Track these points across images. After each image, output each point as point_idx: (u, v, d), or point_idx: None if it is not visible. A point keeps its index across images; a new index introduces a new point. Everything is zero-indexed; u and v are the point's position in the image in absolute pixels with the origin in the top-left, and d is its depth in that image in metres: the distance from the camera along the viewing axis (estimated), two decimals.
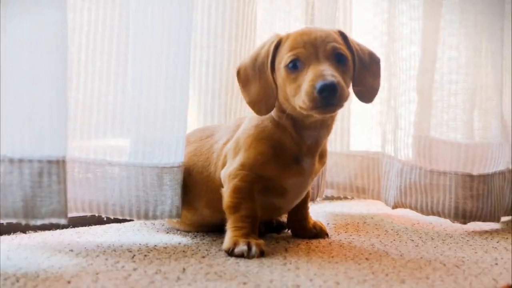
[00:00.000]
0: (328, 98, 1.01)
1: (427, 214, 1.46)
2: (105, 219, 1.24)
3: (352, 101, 1.67)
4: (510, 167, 1.52)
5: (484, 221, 1.43)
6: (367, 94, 1.15)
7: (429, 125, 1.50)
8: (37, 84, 1.01)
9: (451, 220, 1.43)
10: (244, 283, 0.90)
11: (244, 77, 1.14)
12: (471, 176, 1.42)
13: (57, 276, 0.92)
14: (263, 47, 1.14)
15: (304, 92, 1.03)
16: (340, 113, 1.62)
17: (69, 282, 0.89)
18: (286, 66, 1.08)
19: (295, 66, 1.07)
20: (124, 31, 1.19)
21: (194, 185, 1.21)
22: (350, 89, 1.12)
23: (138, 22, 1.16)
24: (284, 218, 1.33)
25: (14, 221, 1.01)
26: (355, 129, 1.69)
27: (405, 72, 1.51)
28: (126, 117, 1.19)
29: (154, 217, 1.18)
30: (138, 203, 1.17)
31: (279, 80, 1.10)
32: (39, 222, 1.01)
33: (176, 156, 1.18)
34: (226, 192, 1.14)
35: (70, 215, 1.28)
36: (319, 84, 1.01)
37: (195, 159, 1.22)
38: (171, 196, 1.18)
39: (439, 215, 1.45)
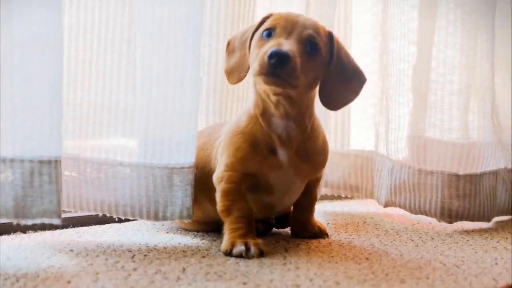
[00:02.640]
0: (275, 66, 1.01)
1: (416, 213, 1.46)
2: (116, 219, 1.24)
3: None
4: (509, 167, 1.52)
5: (472, 220, 1.44)
6: (335, 101, 1.16)
7: (421, 124, 1.50)
8: (29, 84, 1.01)
9: (437, 219, 1.44)
10: (244, 283, 0.91)
11: (231, 48, 1.18)
12: (457, 176, 1.42)
13: (57, 276, 0.92)
14: (255, 23, 1.16)
15: (259, 56, 1.04)
16: (333, 112, 1.63)
17: (69, 282, 0.89)
18: (261, 34, 1.10)
19: (269, 35, 1.09)
20: (133, 30, 1.19)
21: (199, 178, 1.21)
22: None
23: (146, 21, 1.16)
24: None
25: (5, 220, 1.01)
26: (351, 128, 1.69)
27: (400, 72, 1.51)
28: (136, 116, 1.19)
29: (164, 218, 1.18)
30: (148, 204, 1.17)
31: (252, 48, 1.11)
32: (30, 222, 1.01)
33: (186, 156, 1.18)
34: (217, 196, 1.14)
35: (72, 215, 1.29)
36: (271, 50, 1.02)
37: (202, 153, 1.23)
38: (181, 197, 1.18)
39: (426, 214, 1.45)
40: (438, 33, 1.49)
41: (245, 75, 1.14)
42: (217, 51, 1.40)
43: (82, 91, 1.19)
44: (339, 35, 1.59)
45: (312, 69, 1.09)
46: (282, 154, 1.13)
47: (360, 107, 1.68)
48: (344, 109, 1.63)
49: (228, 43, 1.19)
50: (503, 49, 1.63)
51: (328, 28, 1.16)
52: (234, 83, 1.17)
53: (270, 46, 1.04)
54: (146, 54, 1.17)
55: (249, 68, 1.13)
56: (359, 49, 1.65)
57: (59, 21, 1.03)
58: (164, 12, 1.15)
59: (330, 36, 1.13)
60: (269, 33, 1.09)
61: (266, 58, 1.02)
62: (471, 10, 1.47)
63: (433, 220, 1.50)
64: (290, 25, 1.08)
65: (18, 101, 1.00)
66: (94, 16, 1.18)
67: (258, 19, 1.17)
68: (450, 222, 1.44)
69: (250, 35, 1.13)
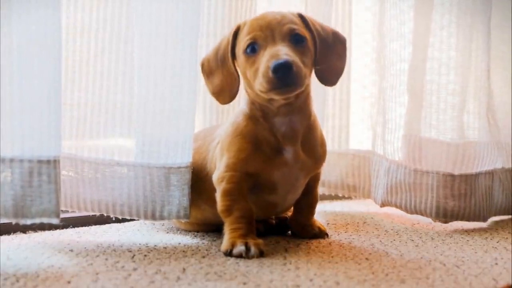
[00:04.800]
0: (284, 78, 1.02)
1: (411, 213, 1.46)
2: (113, 218, 1.24)
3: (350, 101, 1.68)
4: (506, 167, 1.52)
5: (468, 220, 1.44)
6: (330, 74, 1.16)
7: (416, 124, 1.50)
8: (29, 84, 1.01)
9: (433, 219, 1.44)
10: (244, 283, 0.90)
11: (208, 69, 1.16)
12: (452, 176, 1.42)
13: (57, 276, 0.92)
14: (224, 38, 1.15)
15: (261, 74, 1.04)
16: (331, 112, 1.63)
17: (69, 282, 0.89)
18: (245, 51, 1.09)
19: (253, 50, 1.08)
20: (131, 30, 1.20)
21: (197, 182, 1.21)
22: (313, 74, 1.14)
23: (143, 21, 1.16)
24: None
25: (4, 220, 1.02)
26: (350, 128, 1.69)
27: (399, 72, 1.50)
28: (133, 116, 1.19)
29: (162, 218, 1.19)
30: (145, 204, 1.18)
31: (241, 67, 1.11)
32: (29, 222, 1.01)
33: (183, 156, 1.18)
34: (217, 197, 1.14)
35: (72, 215, 1.29)
36: (273, 64, 1.02)
37: (197, 157, 1.23)
38: (178, 197, 1.18)
39: (422, 214, 1.45)
40: (434, 33, 1.49)
41: (237, 92, 1.14)
42: None
43: (79, 91, 1.19)
44: None
45: (308, 58, 1.10)
46: (287, 151, 1.14)
47: (359, 107, 1.68)
48: (343, 108, 1.64)
49: (202, 65, 1.17)
50: (501, 47, 1.62)
51: None
52: (227, 103, 1.16)
53: (268, 59, 1.04)
54: (143, 54, 1.17)
55: (239, 84, 1.13)
56: (360, 49, 1.65)
57: (58, 21, 1.04)
58: (161, 12, 1.16)
59: (301, 17, 1.14)
60: (253, 48, 1.08)
61: (271, 74, 1.02)
62: (467, 10, 1.47)
63: None
64: (268, 31, 1.08)
65: (17, 101, 1.00)
66: (92, 16, 1.18)
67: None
68: (446, 222, 1.44)
69: (229, 51, 1.13)
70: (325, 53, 1.14)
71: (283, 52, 1.04)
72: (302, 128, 1.15)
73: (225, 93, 1.15)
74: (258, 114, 1.14)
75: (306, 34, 1.11)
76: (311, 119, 1.17)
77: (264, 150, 1.13)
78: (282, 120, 1.13)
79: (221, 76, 1.14)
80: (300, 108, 1.14)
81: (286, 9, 1.48)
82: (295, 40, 1.08)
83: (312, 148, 1.18)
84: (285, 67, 1.01)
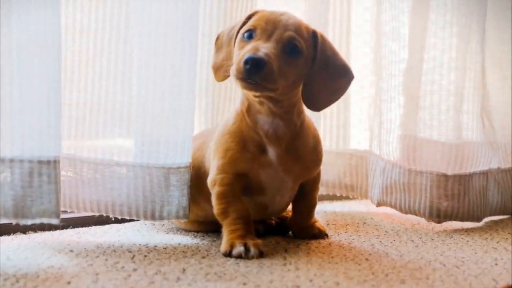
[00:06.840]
0: (250, 72, 1.02)
1: (406, 212, 1.47)
2: (113, 218, 1.24)
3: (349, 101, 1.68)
4: (502, 167, 1.52)
5: (461, 220, 1.44)
6: (318, 99, 1.14)
7: (412, 125, 1.50)
8: (28, 84, 1.01)
9: (426, 219, 1.44)
10: (244, 284, 0.90)
11: (220, 43, 1.18)
12: (445, 176, 1.43)
13: (57, 276, 0.92)
14: (241, 20, 1.16)
15: (237, 60, 1.04)
16: (330, 111, 1.63)
17: (69, 282, 0.89)
18: (242, 34, 1.10)
19: (249, 36, 1.09)
20: (130, 30, 1.20)
21: (197, 179, 1.21)
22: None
23: (143, 21, 1.16)
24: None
25: (5, 221, 1.02)
26: (350, 128, 1.69)
27: (396, 73, 1.50)
28: (133, 117, 1.19)
29: (161, 218, 1.19)
30: (145, 204, 1.18)
31: (234, 47, 1.12)
32: (29, 222, 1.01)
33: (183, 156, 1.18)
34: (213, 200, 1.14)
35: (72, 215, 1.29)
36: (246, 55, 1.02)
37: (198, 153, 1.23)
38: (177, 197, 1.18)
39: (416, 214, 1.45)
40: (430, 34, 1.49)
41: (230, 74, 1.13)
42: (209, 51, 1.40)
43: (78, 91, 1.19)
44: (337, 35, 1.59)
45: (292, 70, 1.08)
46: (271, 151, 1.13)
47: (358, 108, 1.68)
48: (341, 108, 1.64)
49: (217, 38, 1.19)
50: (500, 47, 1.63)
51: (321, 27, 1.16)
52: (220, 81, 1.18)
53: (247, 50, 1.04)
54: (142, 54, 1.17)
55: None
56: (359, 50, 1.65)
57: (58, 21, 1.04)
58: (161, 12, 1.16)
59: (314, 34, 1.13)
60: (250, 34, 1.08)
61: (242, 63, 1.02)
62: (463, 12, 1.47)
63: None
64: (270, 27, 1.08)
65: (17, 101, 1.00)
66: (91, 17, 1.18)
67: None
68: (439, 222, 1.44)
69: (236, 32, 1.13)
70: (321, 77, 1.12)
71: (264, 50, 1.03)
72: (286, 134, 1.14)
73: (220, 71, 1.16)
74: (245, 108, 1.14)
75: (305, 50, 1.09)
76: (298, 128, 1.15)
77: (250, 148, 1.13)
78: (265, 119, 1.13)
79: (224, 54, 1.15)
80: (282, 116, 1.13)
81: (286, 8, 1.49)
82: (289, 48, 1.07)
83: (300, 155, 1.16)
84: (256, 62, 1.01)
